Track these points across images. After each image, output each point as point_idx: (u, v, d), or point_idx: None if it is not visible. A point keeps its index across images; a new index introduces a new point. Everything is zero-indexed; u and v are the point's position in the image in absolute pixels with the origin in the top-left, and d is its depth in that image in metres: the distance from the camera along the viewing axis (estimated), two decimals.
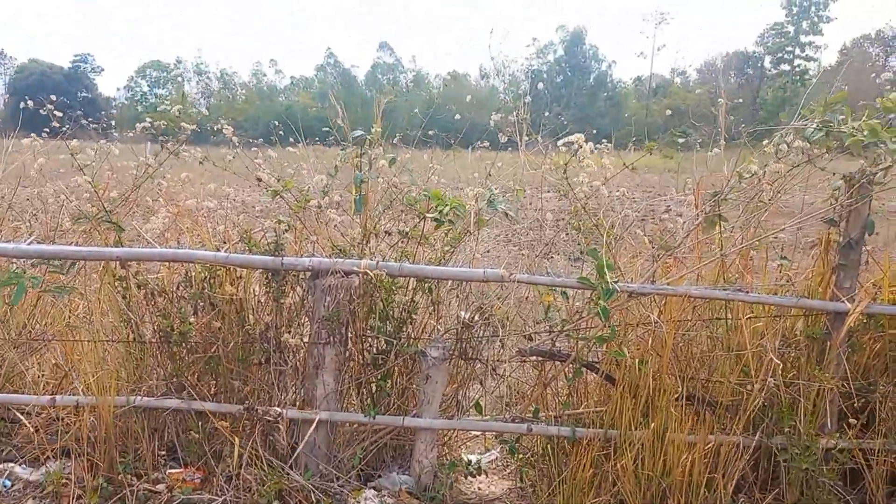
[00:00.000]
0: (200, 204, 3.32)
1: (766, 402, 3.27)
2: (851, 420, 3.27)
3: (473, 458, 3.85)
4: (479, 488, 3.76)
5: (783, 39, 66.83)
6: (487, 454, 4.09)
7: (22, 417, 3.45)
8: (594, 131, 3.15)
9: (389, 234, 3.32)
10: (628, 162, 3.11)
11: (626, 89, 70.63)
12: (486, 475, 3.73)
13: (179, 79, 73.58)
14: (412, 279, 3.40)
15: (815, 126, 2.88)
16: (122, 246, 3.44)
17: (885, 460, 3.23)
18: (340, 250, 3.20)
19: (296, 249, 3.40)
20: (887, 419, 3.28)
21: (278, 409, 3.23)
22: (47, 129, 3.52)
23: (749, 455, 3.24)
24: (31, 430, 3.35)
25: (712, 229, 3.21)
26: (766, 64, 68.28)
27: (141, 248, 3.37)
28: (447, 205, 3.07)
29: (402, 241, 3.26)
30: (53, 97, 3.46)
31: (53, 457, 3.36)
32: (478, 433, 4.02)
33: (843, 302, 3.19)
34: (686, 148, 3.40)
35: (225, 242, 3.36)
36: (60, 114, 3.42)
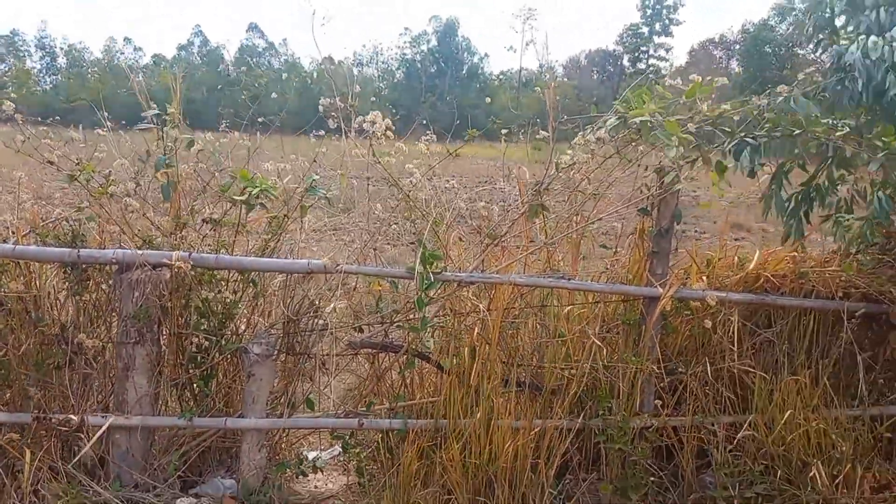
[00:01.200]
0: None
1: (590, 386, 3.38)
2: (666, 399, 3.46)
3: (313, 454, 3.73)
4: (316, 486, 3.64)
5: (639, 40, 71.56)
6: (330, 450, 3.98)
7: None
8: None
9: (207, 222, 3.09)
10: (451, 150, 3.09)
11: (498, 82, 72.41)
12: (323, 472, 3.62)
13: (22, 54, 66.80)
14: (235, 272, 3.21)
15: (612, 117, 3.01)
16: None
17: (694, 437, 3.44)
18: (145, 241, 2.94)
19: (99, 241, 3.10)
20: (697, 397, 3.49)
21: (74, 418, 2.93)
22: None
23: (574, 437, 3.34)
24: None
25: (536, 218, 3.27)
26: (625, 62, 72.70)
27: None
28: (256, 186, 2.89)
29: (215, 230, 3.04)
30: None
31: None
32: (315, 430, 3.89)
33: (655, 287, 3.36)
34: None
35: (13, 234, 2.99)
36: None
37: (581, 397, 3.35)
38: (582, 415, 3.35)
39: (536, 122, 3.64)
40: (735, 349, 3.46)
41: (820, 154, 3.47)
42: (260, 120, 3.62)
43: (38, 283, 3.05)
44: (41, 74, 68.47)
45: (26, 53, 69.22)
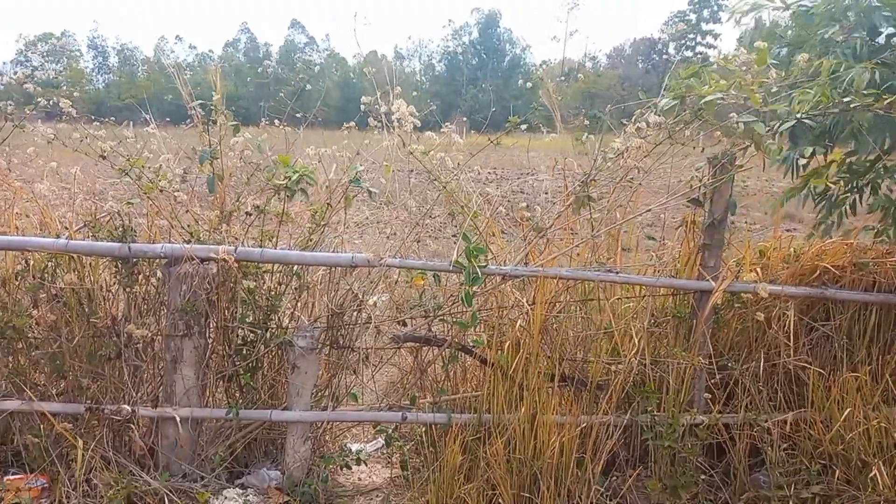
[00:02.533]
0: (35, 186, 3.01)
1: (637, 381, 3.30)
2: (717, 396, 3.35)
3: (357, 447, 3.74)
4: (360, 479, 3.65)
5: (686, 27, 69.77)
6: (373, 442, 3.99)
7: None
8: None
9: (250, 214, 3.12)
10: (490, 140, 3.04)
11: (541, 72, 71.96)
12: (367, 465, 3.63)
13: (76, 53, 68.93)
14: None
15: (668, 98, 2.90)
16: None
17: (747, 434, 3.32)
18: (191, 234, 2.98)
19: (149, 235, 3.16)
20: (749, 393, 3.37)
21: (127, 408, 3.00)
22: None
23: (620, 433, 3.26)
24: None
25: (582, 210, 3.19)
26: (671, 50, 71.11)
27: None
28: (297, 171, 2.88)
29: (259, 220, 3.06)
30: None
31: None
32: (359, 423, 3.90)
33: (707, 280, 3.25)
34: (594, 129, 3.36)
35: (66, 228, 3.06)
36: None
37: (629, 393, 3.28)
38: (629, 411, 3.27)
39: (580, 112, 3.57)
40: (791, 344, 3.33)
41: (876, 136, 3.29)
42: (299, 115, 3.63)
43: (91, 276, 3.12)
44: (93, 73, 70.67)
45: (78, 53, 71.50)
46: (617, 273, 3.22)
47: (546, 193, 3.57)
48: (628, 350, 3.23)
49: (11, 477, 3.05)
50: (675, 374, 3.24)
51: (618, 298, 3.33)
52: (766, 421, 3.30)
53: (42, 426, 3.06)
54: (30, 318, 3.04)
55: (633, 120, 2.99)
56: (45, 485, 3.05)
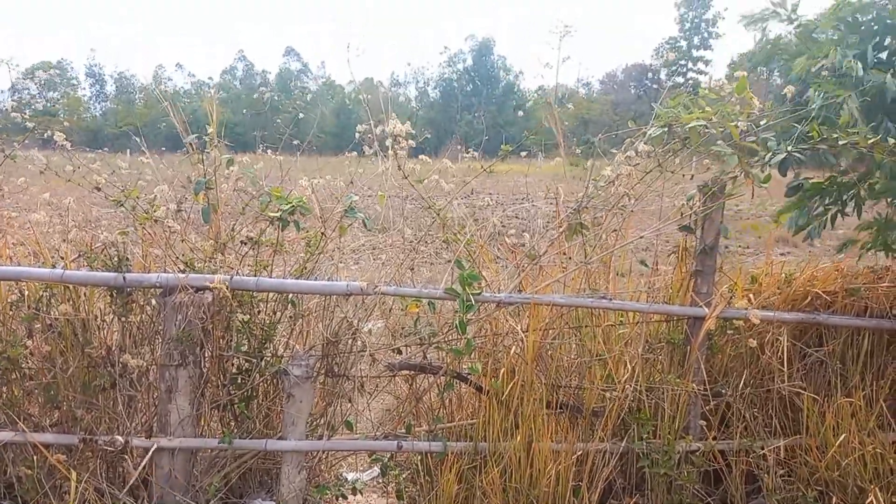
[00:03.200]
0: (29, 216, 3.03)
1: (633, 408, 3.30)
2: (712, 422, 3.35)
3: (352, 476, 3.72)
4: None
5: (677, 53, 70.88)
6: (369, 471, 3.97)
7: None
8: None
9: (245, 243, 3.13)
10: (483, 168, 3.07)
11: (534, 98, 72.76)
12: (362, 495, 3.60)
13: (74, 82, 69.42)
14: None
15: (656, 127, 2.95)
16: None
17: (743, 461, 3.32)
18: (186, 264, 2.99)
19: (143, 264, 3.17)
20: (744, 420, 3.37)
21: (121, 439, 2.98)
22: None
23: (616, 461, 3.26)
24: None
25: (575, 236, 3.22)
26: (663, 76, 72.08)
27: None
28: (290, 203, 2.91)
29: (254, 249, 3.08)
30: None
31: None
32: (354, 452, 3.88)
33: (700, 307, 3.27)
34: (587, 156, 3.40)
35: (62, 258, 3.08)
36: None
37: (624, 419, 3.27)
38: (625, 438, 3.27)
39: (573, 139, 3.61)
40: (784, 370, 3.34)
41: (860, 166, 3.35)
42: (296, 143, 3.67)
43: (86, 306, 3.12)
44: (91, 101, 71.16)
45: (76, 81, 72.05)
46: (610, 300, 3.24)
47: (540, 220, 3.59)
48: (623, 376, 3.23)
49: None
50: (669, 400, 3.24)
51: (611, 325, 3.34)
52: (762, 447, 3.30)
53: (35, 457, 3.04)
54: (24, 349, 3.03)
55: (623, 148, 3.03)
56: None
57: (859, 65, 3.03)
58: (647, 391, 3.26)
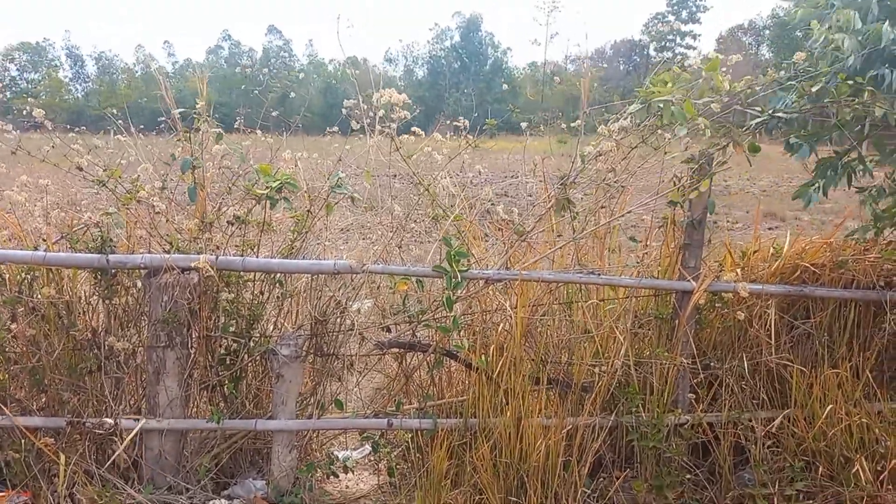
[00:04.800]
0: (10, 197, 2.97)
1: (621, 383, 3.31)
2: (701, 395, 3.37)
3: (343, 454, 3.72)
4: (347, 486, 3.64)
5: (665, 28, 70.74)
6: (360, 449, 3.97)
7: None
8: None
9: (232, 223, 3.09)
10: (472, 143, 3.04)
11: (522, 75, 72.20)
12: (353, 473, 3.61)
13: (55, 63, 68.22)
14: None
15: (635, 103, 2.92)
16: None
17: (731, 433, 3.35)
18: (172, 244, 2.95)
19: (127, 245, 3.12)
20: (732, 392, 3.40)
21: (109, 421, 2.96)
22: None
23: (605, 435, 3.27)
24: None
25: (562, 212, 3.20)
26: (652, 51, 71.87)
27: None
28: (277, 180, 2.86)
29: (240, 229, 3.04)
30: None
31: None
32: (345, 430, 3.88)
33: (688, 280, 3.27)
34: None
35: (44, 240, 3.03)
36: None
37: (613, 394, 3.29)
38: (614, 412, 3.28)
39: (560, 116, 3.57)
40: (772, 342, 3.36)
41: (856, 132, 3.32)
42: (282, 120, 3.61)
43: (70, 288, 3.09)
44: (72, 83, 70.07)
45: (57, 62, 70.88)
46: (599, 275, 3.23)
47: (529, 196, 3.57)
48: (612, 352, 3.24)
49: None
50: (658, 374, 3.26)
51: (600, 300, 3.34)
52: (750, 419, 3.32)
53: (23, 441, 3.02)
54: (8, 333, 3.00)
55: (607, 123, 3.01)
56: (28, 501, 3.01)
57: (856, 14, 2.99)
58: (635, 366, 3.27)
